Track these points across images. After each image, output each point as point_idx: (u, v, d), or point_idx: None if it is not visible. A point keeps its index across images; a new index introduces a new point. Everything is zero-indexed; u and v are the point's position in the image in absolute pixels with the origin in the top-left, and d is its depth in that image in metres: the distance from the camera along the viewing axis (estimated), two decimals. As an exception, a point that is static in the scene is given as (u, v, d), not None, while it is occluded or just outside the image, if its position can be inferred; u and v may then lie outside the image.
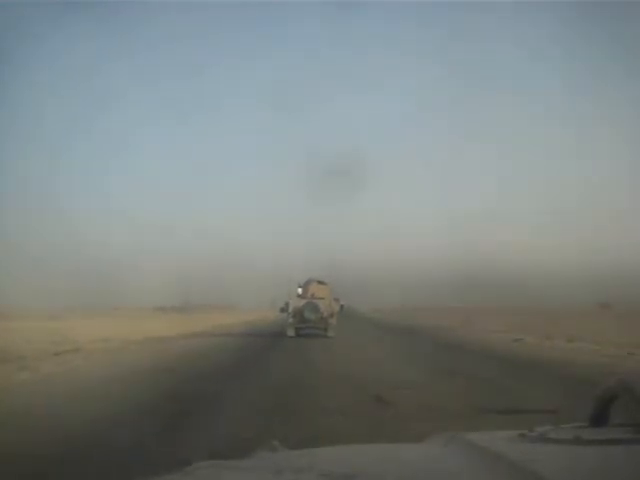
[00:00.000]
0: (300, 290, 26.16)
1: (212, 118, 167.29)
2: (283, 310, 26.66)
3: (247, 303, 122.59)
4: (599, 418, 1.34)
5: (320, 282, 26.65)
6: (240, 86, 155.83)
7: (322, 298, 25.68)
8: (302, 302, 25.39)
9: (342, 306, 27.00)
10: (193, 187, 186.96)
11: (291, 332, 25.39)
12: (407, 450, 1.44)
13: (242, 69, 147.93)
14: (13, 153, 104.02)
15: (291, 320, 25.59)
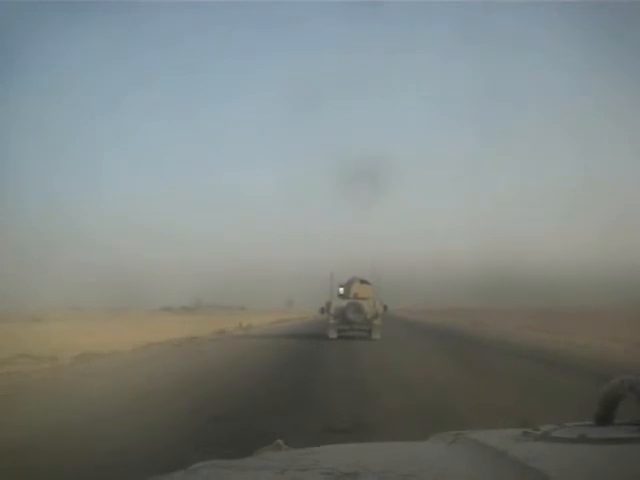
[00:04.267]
0: (342, 290, 26.23)
1: (226, 120, 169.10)
2: (323, 311, 27.02)
3: (258, 304, 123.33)
4: (604, 417, 1.41)
5: (363, 281, 26.62)
6: (256, 88, 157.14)
7: (366, 298, 25.75)
8: (344, 302, 25.57)
9: (385, 307, 27.12)
10: (205, 188, 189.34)
11: (333, 334, 25.69)
12: (411, 448, 1.52)
13: (257, 69, 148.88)
14: (17, 153, 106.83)
15: (333, 321, 25.86)
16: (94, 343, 20.40)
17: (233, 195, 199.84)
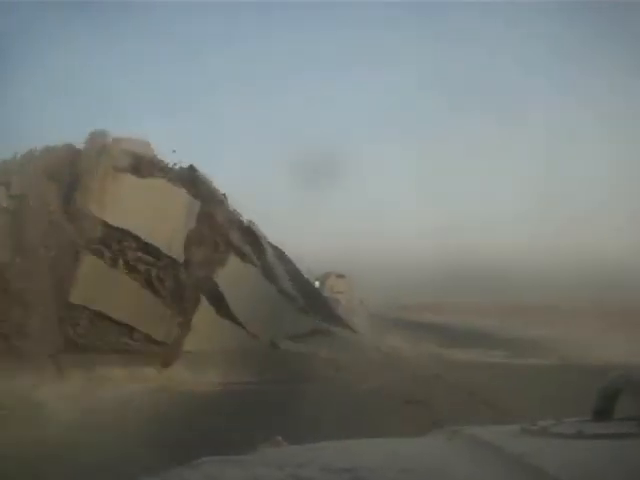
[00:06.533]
0: (317, 283, 26.07)
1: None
2: None
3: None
4: (602, 412, 1.40)
5: (339, 275, 26.99)
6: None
7: (342, 292, 26.04)
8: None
9: (361, 302, 27.34)
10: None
11: None
12: (409, 444, 1.53)
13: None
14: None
15: None
16: None
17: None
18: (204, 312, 15.16)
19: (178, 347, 14.36)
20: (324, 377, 12.79)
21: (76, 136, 17.18)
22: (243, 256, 16.91)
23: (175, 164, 17.77)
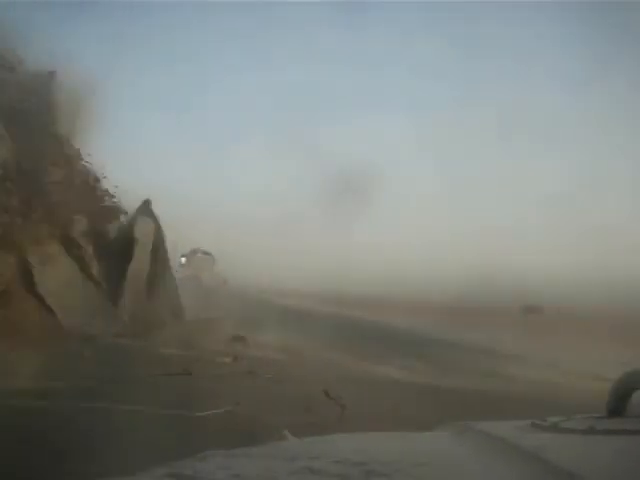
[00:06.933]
0: (183, 259, 24.97)
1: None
2: None
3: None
4: (616, 409, 1.43)
5: (206, 252, 26.02)
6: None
7: (205, 270, 25.24)
8: (184, 274, 23.50)
9: (224, 281, 25.58)
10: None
11: None
12: (419, 438, 1.53)
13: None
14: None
15: None
16: None
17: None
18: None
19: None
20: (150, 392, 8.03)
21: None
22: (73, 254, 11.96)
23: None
